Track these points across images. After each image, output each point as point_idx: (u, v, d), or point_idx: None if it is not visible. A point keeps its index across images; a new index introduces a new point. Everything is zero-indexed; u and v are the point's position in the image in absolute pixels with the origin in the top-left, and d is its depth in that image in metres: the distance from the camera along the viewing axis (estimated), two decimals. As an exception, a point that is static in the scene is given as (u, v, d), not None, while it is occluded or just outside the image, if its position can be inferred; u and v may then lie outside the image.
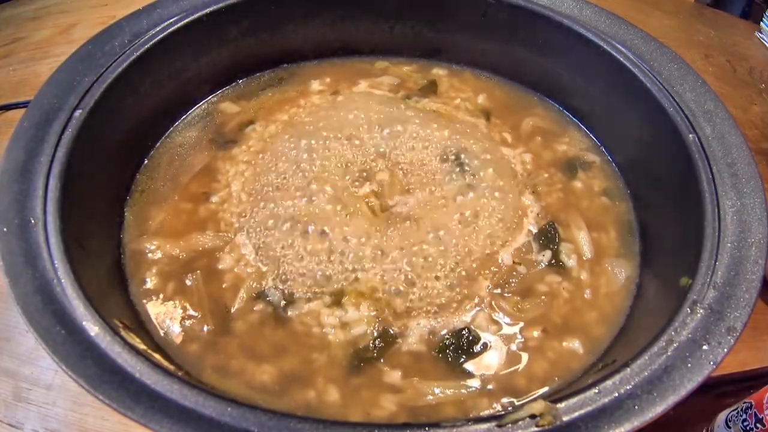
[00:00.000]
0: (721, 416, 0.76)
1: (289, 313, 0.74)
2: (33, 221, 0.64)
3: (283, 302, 0.75)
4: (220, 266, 0.78)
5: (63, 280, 0.60)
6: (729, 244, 0.67)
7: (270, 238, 0.79)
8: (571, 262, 0.82)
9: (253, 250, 0.79)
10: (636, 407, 0.54)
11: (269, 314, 0.74)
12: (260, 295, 0.76)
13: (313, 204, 0.82)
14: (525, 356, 0.73)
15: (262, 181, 0.86)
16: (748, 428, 0.71)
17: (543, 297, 0.78)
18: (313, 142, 0.90)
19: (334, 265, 0.77)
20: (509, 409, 0.56)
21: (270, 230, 0.80)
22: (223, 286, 0.77)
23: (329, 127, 0.92)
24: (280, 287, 0.76)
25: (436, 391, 0.68)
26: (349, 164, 0.88)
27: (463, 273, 0.78)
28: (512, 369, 0.72)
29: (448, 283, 0.77)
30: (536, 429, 0.53)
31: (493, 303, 0.77)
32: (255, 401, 0.64)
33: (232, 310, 0.75)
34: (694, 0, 1.68)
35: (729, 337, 0.59)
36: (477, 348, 0.73)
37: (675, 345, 0.59)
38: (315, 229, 0.79)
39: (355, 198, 0.84)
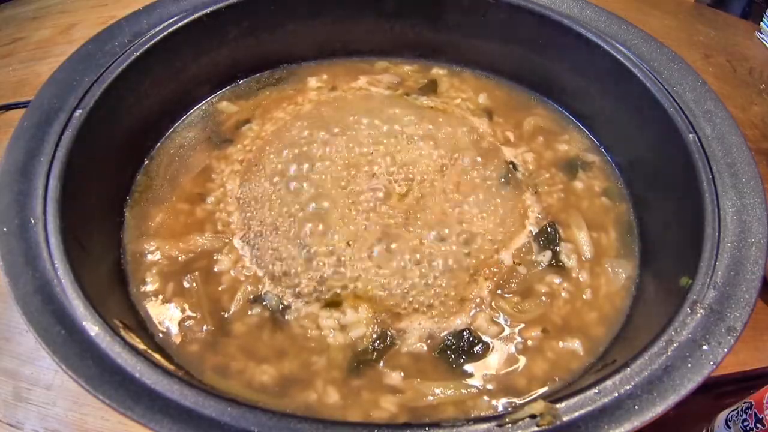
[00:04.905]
0: (721, 416, 0.76)
1: (287, 316, 0.74)
2: (33, 221, 0.64)
3: (280, 306, 0.75)
4: (216, 268, 0.78)
5: (63, 280, 0.60)
6: (729, 244, 0.67)
7: (266, 240, 0.79)
8: (571, 262, 0.82)
9: (249, 252, 0.79)
10: (636, 407, 0.54)
11: (267, 318, 0.74)
12: (257, 299, 0.75)
13: (310, 204, 0.81)
14: (525, 357, 0.73)
15: (258, 180, 0.86)
16: (748, 428, 0.71)
17: (543, 297, 0.78)
18: (310, 139, 0.89)
19: (332, 266, 0.76)
20: (509, 409, 0.56)
21: (266, 231, 0.80)
22: (220, 288, 0.77)
23: (327, 123, 0.92)
24: (277, 291, 0.76)
25: (437, 391, 0.68)
26: (346, 162, 0.87)
27: (464, 274, 0.78)
28: (512, 369, 0.72)
29: (448, 284, 0.77)
30: (536, 429, 0.53)
31: (493, 303, 0.77)
32: (255, 402, 0.64)
33: (228, 314, 0.74)
34: (694, 0, 1.68)
35: (729, 337, 0.59)
36: (477, 349, 0.73)
37: (675, 345, 0.59)
38: (312, 229, 0.79)
39: (353, 197, 0.83)
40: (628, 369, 0.57)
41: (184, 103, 0.98)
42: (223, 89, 1.02)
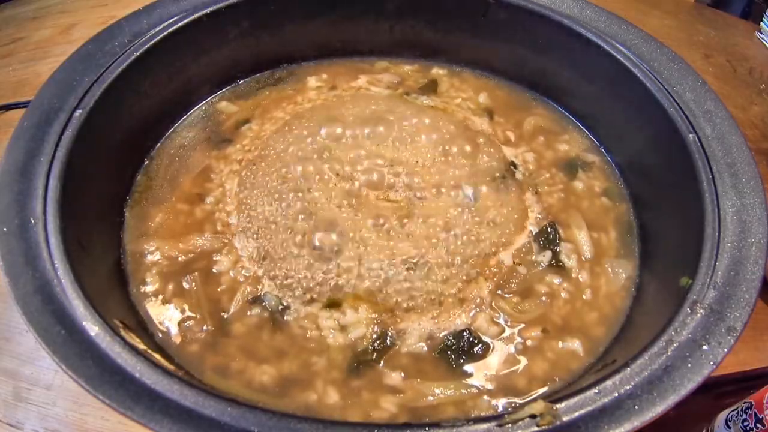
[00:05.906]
0: (721, 416, 0.76)
1: (287, 317, 0.74)
2: (33, 221, 0.64)
3: (280, 306, 0.75)
4: (216, 269, 0.78)
5: (63, 280, 0.60)
6: (729, 244, 0.67)
7: (265, 240, 0.79)
8: (571, 262, 0.82)
9: (248, 253, 0.79)
10: (636, 407, 0.54)
11: (266, 318, 0.74)
12: (256, 300, 0.75)
13: (309, 204, 0.81)
14: (525, 357, 0.73)
15: (257, 180, 0.85)
16: (748, 428, 0.70)
17: (543, 297, 0.78)
18: (309, 139, 0.89)
19: (332, 267, 0.76)
20: (509, 409, 0.56)
21: (265, 232, 0.80)
22: (219, 289, 0.77)
23: (326, 123, 0.91)
24: (276, 291, 0.76)
25: (437, 391, 0.68)
26: (346, 162, 0.87)
27: (464, 274, 0.78)
28: (512, 369, 0.72)
29: (448, 284, 0.77)
30: (536, 429, 0.53)
31: (493, 304, 0.77)
32: (255, 402, 0.64)
33: (228, 315, 0.74)
34: (694, 0, 1.68)
35: (729, 337, 0.59)
36: (477, 349, 0.73)
37: (675, 345, 0.59)
38: (311, 230, 0.79)
39: (353, 197, 0.83)
40: (628, 369, 0.57)
41: (184, 103, 0.98)
42: (223, 89, 1.02)
